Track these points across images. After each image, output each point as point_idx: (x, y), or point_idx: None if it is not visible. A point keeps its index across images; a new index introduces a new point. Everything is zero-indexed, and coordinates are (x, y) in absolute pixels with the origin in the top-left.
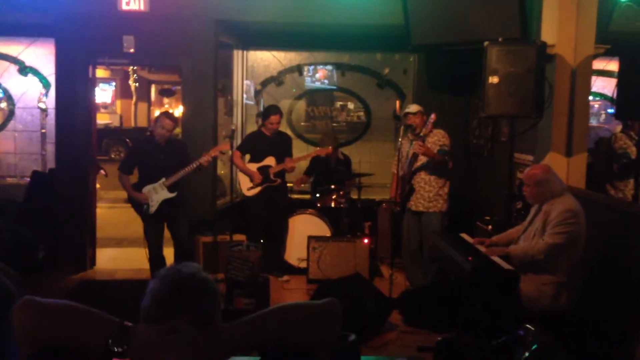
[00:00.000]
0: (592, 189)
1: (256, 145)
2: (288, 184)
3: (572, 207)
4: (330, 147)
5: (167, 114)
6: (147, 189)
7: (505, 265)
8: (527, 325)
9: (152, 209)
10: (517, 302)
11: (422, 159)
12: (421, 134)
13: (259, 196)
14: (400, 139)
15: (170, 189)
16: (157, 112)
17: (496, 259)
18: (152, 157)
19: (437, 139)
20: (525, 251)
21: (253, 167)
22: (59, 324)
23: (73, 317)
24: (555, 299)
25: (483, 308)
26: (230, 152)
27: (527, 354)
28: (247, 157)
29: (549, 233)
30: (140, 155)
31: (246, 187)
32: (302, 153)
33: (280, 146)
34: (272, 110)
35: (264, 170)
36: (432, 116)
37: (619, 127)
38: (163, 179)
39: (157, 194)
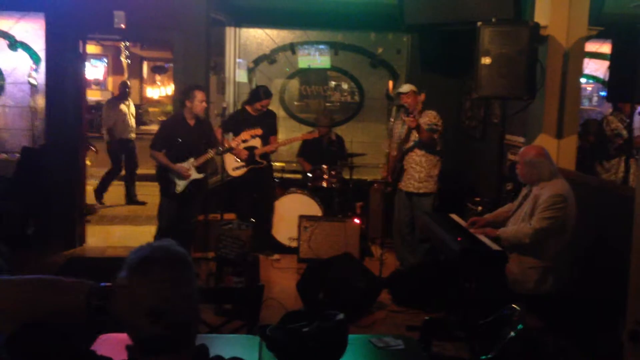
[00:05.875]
0: (582, 171)
1: (241, 124)
2: (277, 163)
3: (561, 192)
4: (317, 132)
5: (197, 86)
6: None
7: (493, 245)
8: (513, 306)
9: (179, 189)
10: (505, 282)
11: (413, 139)
12: (411, 113)
13: (245, 176)
14: (392, 120)
15: (199, 169)
16: (156, 90)
17: (485, 239)
18: (181, 136)
19: (428, 119)
20: (514, 234)
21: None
22: (31, 297)
23: (44, 288)
24: (539, 284)
25: (471, 288)
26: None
27: (512, 334)
28: (230, 135)
29: (537, 218)
30: (170, 133)
31: (231, 167)
32: (294, 132)
33: (265, 126)
34: (265, 94)
35: (249, 151)
36: (422, 96)
37: (610, 110)
38: (192, 159)
39: None
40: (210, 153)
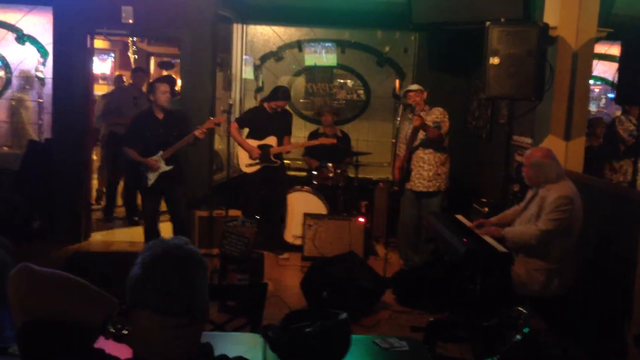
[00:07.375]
0: (590, 171)
1: (257, 120)
2: (285, 161)
3: (567, 193)
4: (335, 139)
5: (158, 79)
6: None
7: (499, 247)
8: (519, 308)
9: (150, 182)
10: (510, 284)
11: (419, 138)
12: (416, 111)
13: (257, 174)
14: (398, 119)
15: (167, 162)
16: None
17: (490, 240)
18: (150, 130)
19: (435, 117)
20: (519, 235)
21: (254, 143)
22: (55, 294)
23: (71, 290)
24: (546, 285)
25: (476, 289)
26: (220, 125)
27: (518, 337)
28: (246, 132)
29: (543, 219)
30: (139, 128)
31: (245, 163)
32: (299, 129)
33: (280, 124)
34: (283, 95)
35: (264, 149)
36: (424, 93)
37: (618, 112)
38: (161, 152)
39: None
40: (177, 145)
